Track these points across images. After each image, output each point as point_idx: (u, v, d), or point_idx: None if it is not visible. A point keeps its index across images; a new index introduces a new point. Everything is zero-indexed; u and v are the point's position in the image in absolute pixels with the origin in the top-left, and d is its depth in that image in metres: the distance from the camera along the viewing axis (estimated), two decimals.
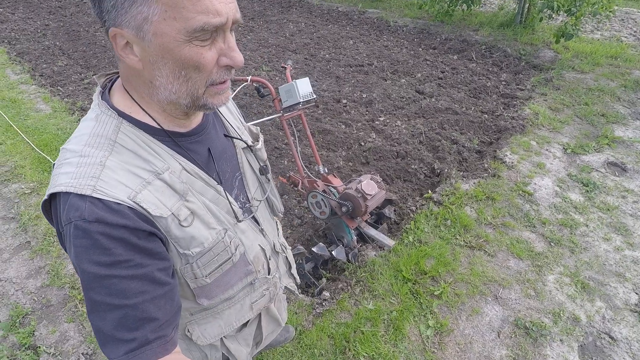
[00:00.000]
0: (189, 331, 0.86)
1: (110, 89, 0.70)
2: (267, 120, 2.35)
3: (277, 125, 3.65)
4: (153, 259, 0.63)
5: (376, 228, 2.54)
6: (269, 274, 0.94)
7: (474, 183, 2.96)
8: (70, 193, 0.59)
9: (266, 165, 0.93)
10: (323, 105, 3.98)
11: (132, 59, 0.60)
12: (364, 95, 4.15)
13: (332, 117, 3.82)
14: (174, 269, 0.71)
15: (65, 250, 0.64)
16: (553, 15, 4.94)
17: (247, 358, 1.01)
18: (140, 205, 0.62)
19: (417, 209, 2.76)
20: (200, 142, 0.75)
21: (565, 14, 4.81)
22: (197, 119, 0.75)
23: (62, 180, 0.60)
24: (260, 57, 5.06)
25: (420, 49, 5.33)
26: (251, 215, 0.87)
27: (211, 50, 0.60)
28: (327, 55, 5.12)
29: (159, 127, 0.68)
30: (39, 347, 1.99)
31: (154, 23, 0.56)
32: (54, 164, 0.66)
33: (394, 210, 2.73)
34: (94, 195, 0.59)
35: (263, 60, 4.98)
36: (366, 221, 2.57)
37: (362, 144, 3.40)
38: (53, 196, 0.63)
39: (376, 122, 3.72)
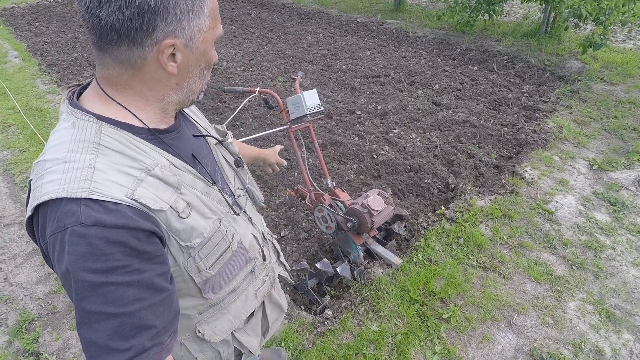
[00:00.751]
0: (199, 332, 0.86)
1: (78, 99, 0.70)
2: (274, 132, 2.32)
3: (288, 136, 3.63)
4: (152, 263, 0.62)
5: (385, 244, 2.46)
6: (265, 260, 0.97)
7: (490, 199, 2.83)
8: (63, 199, 0.57)
9: (240, 158, 0.97)
10: (337, 116, 3.94)
11: (171, 66, 0.67)
12: (379, 107, 4.09)
13: (345, 128, 3.77)
14: (178, 266, 0.72)
15: (51, 264, 0.62)
16: (580, 25, 4.74)
17: (258, 348, 1.03)
18: (139, 202, 0.61)
19: (428, 225, 2.66)
20: (180, 138, 0.78)
21: (593, 23, 4.60)
22: (172, 118, 0.78)
23: (49, 188, 0.58)
24: (277, 68, 5.09)
25: (439, 60, 5.22)
26: (242, 210, 0.92)
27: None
28: (343, 66, 5.10)
29: (141, 125, 0.69)
30: (42, 354, 2.01)
31: (204, 32, 0.68)
32: (30, 180, 0.63)
33: (405, 227, 2.64)
34: (91, 197, 0.57)
35: (279, 71, 5.01)
36: (375, 237, 2.49)
37: (375, 156, 3.33)
38: (37, 209, 0.60)
39: (390, 135, 3.64)
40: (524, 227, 2.59)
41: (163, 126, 0.74)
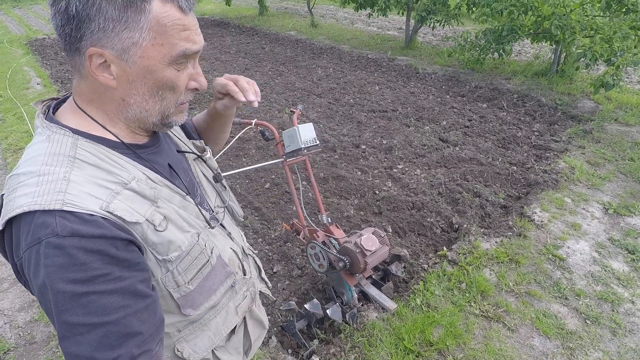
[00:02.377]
0: (178, 350, 0.82)
1: (54, 113, 0.70)
2: (268, 164, 2.28)
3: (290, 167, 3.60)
4: (133, 270, 0.61)
5: (381, 286, 2.32)
6: (245, 275, 0.95)
7: (496, 242, 2.68)
8: (36, 211, 0.56)
9: (219, 173, 0.97)
10: (341, 150, 3.91)
11: (107, 78, 0.64)
12: (385, 142, 4.04)
13: (348, 162, 3.72)
14: (155, 281, 0.70)
15: (24, 281, 0.61)
16: (592, 65, 4.69)
17: None
18: (114, 214, 0.60)
19: (429, 267, 2.51)
20: (158, 153, 0.78)
21: (605, 64, 4.55)
22: (150, 133, 0.78)
23: (21, 201, 0.57)
24: (285, 100, 5.16)
25: (448, 97, 5.21)
26: (219, 223, 0.90)
27: (183, 74, 0.69)
28: (351, 100, 5.13)
29: (117, 140, 0.70)
30: None
31: (142, 48, 0.63)
32: (2, 194, 0.62)
33: (403, 267, 2.50)
34: (65, 208, 0.56)
35: (287, 103, 5.08)
36: (371, 277, 2.35)
37: (377, 192, 3.24)
38: (9, 224, 0.59)
39: (394, 170, 3.57)
40: (533, 274, 2.42)
41: (141, 141, 0.75)
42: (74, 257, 0.55)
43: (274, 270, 2.52)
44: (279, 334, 2.12)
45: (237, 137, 2.25)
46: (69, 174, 0.61)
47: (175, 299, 0.75)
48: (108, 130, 0.69)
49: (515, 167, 3.56)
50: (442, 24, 6.86)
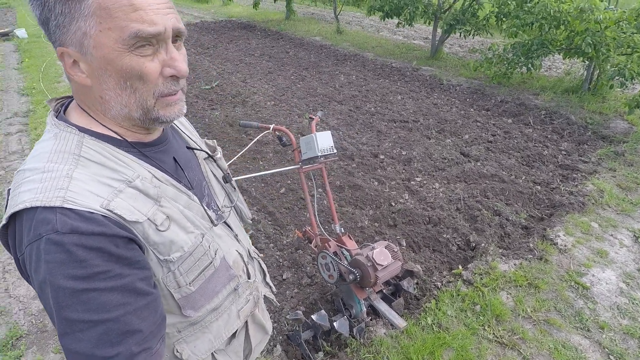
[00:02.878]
0: (178, 351, 0.81)
1: (65, 111, 0.70)
2: (284, 170, 2.26)
3: (306, 174, 3.58)
4: (133, 268, 0.61)
5: (391, 301, 2.25)
6: (249, 279, 0.93)
7: (515, 264, 2.57)
8: (37, 207, 0.56)
9: (228, 174, 0.97)
10: (359, 159, 3.86)
11: (81, 77, 0.63)
12: (404, 153, 3.97)
13: (366, 172, 3.67)
14: (157, 280, 0.69)
15: (27, 276, 0.61)
16: (627, 84, 4.49)
17: None
18: (114, 213, 0.60)
19: (442, 285, 2.43)
20: (164, 152, 0.76)
21: None
22: (158, 131, 0.76)
23: (25, 197, 0.57)
24: (305, 105, 5.16)
25: (472, 110, 5.10)
26: (223, 220, 0.88)
27: (154, 61, 0.62)
28: (372, 109, 5.09)
29: (122, 139, 0.68)
30: None
31: (92, 36, 0.59)
32: (9, 189, 0.63)
33: (416, 284, 2.43)
34: (65, 205, 0.56)
35: (308, 108, 5.07)
36: (381, 291, 2.30)
37: (393, 204, 3.17)
38: (11, 219, 0.59)
39: (412, 182, 3.49)
40: (553, 301, 2.31)
41: (147, 139, 0.73)
42: (74, 254, 0.55)
43: (284, 277, 2.49)
44: (284, 343, 2.09)
45: (254, 141, 2.24)
46: (72, 171, 0.61)
47: (176, 300, 0.74)
48: (109, 129, 0.68)
49: (539, 187, 3.42)
50: (470, 34, 6.73)
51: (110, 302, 0.58)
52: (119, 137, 0.69)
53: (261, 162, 3.82)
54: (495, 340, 2.07)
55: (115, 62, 0.60)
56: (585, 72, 5.63)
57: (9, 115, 4.95)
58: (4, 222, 0.60)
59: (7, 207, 0.60)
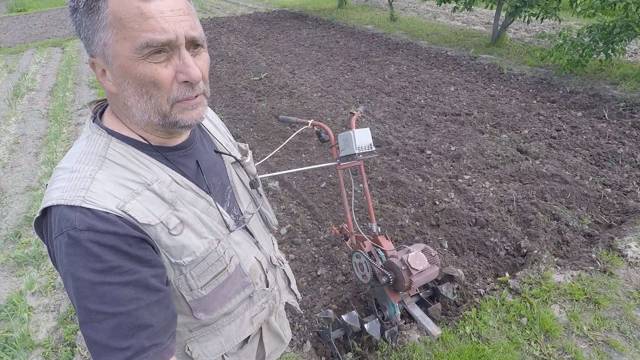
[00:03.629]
0: (189, 349, 0.84)
1: (102, 114, 0.76)
2: (322, 167, 2.23)
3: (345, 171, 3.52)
4: (145, 265, 0.64)
5: (428, 306, 2.15)
6: (267, 287, 0.93)
7: (573, 276, 2.32)
8: (61, 205, 0.62)
9: (256, 179, 0.96)
10: (404, 154, 3.71)
11: (108, 84, 0.67)
12: (453, 148, 3.74)
13: (410, 167, 3.52)
14: (169, 281, 0.72)
15: (56, 266, 0.66)
16: None
17: None
18: (128, 214, 0.64)
19: (485, 293, 2.27)
20: (188, 156, 0.78)
21: None
22: (183, 135, 0.78)
23: (54, 194, 0.63)
24: (352, 97, 5.06)
25: (535, 102, 4.65)
26: (242, 226, 0.88)
27: (167, 68, 0.64)
28: (422, 101, 4.85)
29: (146, 142, 0.72)
30: (76, 346, 2.15)
31: (111, 46, 0.62)
32: (47, 183, 0.69)
33: (456, 289, 2.29)
34: (84, 205, 0.61)
35: (355, 100, 4.97)
36: (419, 294, 2.20)
37: (437, 202, 3.01)
38: (45, 212, 0.65)
39: (459, 180, 3.29)
40: (615, 320, 2.05)
41: (171, 143, 0.76)
42: (89, 249, 0.59)
43: (318, 273, 2.49)
44: (314, 340, 2.09)
45: (292, 136, 2.24)
46: (96, 172, 0.65)
47: (188, 302, 0.76)
48: (135, 132, 0.72)
49: (609, 190, 3.05)
50: (539, 18, 6.11)
51: (124, 296, 0.61)
52: (143, 141, 0.72)
53: (304, 155, 3.82)
54: (542, 358, 1.90)
55: (130, 70, 0.63)
56: None
57: (79, 107, 5.46)
58: (38, 214, 0.66)
59: (42, 202, 0.66)
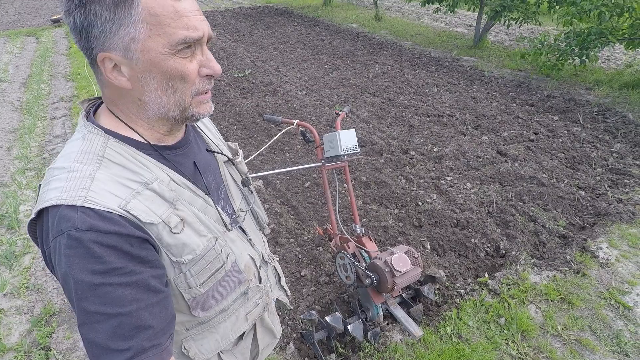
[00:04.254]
0: (185, 348, 0.84)
1: (95, 113, 0.74)
2: (306, 168, 2.23)
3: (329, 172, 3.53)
4: (146, 266, 0.64)
5: (410, 307, 2.18)
6: (260, 283, 0.95)
7: (548, 276, 2.40)
8: (61, 205, 0.60)
9: (247, 178, 0.98)
10: (387, 154, 3.75)
11: (121, 80, 0.66)
12: (435, 149, 3.80)
13: (394, 168, 3.55)
14: (168, 280, 0.72)
15: (51, 268, 0.65)
16: None
17: None
18: (130, 213, 0.63)
19: (466, 293, 2.32)
20: (185, 155, 0.79)
21: None
22: (179, 134, 0.79)
23: (52, 195, 0.62)
24: (337, 96, 5.07)
25: (514, 105, 4.77)
26: (239, 224, 0.90)
27: (192, 62, 0.67)
28: (405, 101, 4.90)
29: (144, 141, 0.72)
30: (51, 349, 2.08)
31: (140, 41, 0.62)
32: (40, 185, 0.68)
33: (437, 289, 2.33)
34: (85, 205, 0.60)
35: (339, 99, 4.98)
36: (401, 295, 2.23)
37: (420, 203, 3.06)
38: (40, 214, 0.64)
39: (441, 181, 3.34)
40: (588, 320, 2.14)
41: (168, 142, 0.76)
42: (91, 250, 0.59)
43: (302, 273, 2.48)
44: (297, 341, 2.09)
45: (277, 136, 2.22)
46: (95, 172, 0.64)
47: (186, 300, 0.76)
48: (135, 131, 0.72)
49: (583, 192, 3.16)
50: (518, 22, 6.27)
51: (125, 297, 0.61)
52: (142, 140, 0.72)
53: (288, 154, 3.80)
54: (519, 357, 1.96)
55: (161, 64, 0.64)
56: None
57: (55, 100, 5.26)
58: (33, 216, 0.64)
59: (37, 203, 0.64)
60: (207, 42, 0.70)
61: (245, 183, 0.97)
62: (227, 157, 0.94)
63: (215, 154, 0.91)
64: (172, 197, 0.71)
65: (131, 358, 0.61)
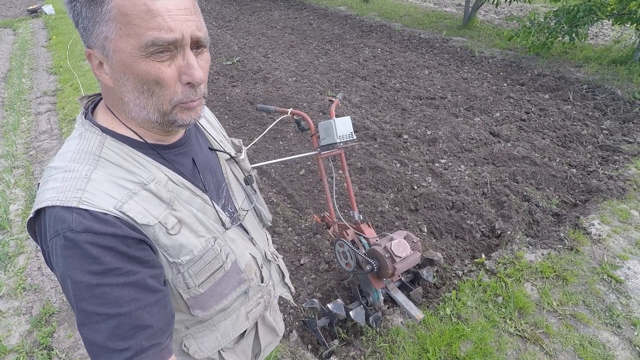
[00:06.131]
0: (185, 346, 0.84)
1: (93, 110, 0.73)
2: (302, 157, 2.21)
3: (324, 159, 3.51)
4: (143, 266, 0.64)
5: (410, 290, 2.22)
6: (262, 282, 0.94)
7: (543, 254, 2.45)
8: (56, 206, 0.60)
9: (250, 175, 0.96)
10: (381, 139, 3.74)
11: (105, 77, 0.65)
12: (429, 132, 3.80)
13: (388, 153, 3.55)
14: (167, 280, 0.72)
15: (51, 267, 0.65)
16: None
17: None
18: (126, 215, 0.63)
19: (463, 274, 2.36)
20: (184, 154, 0.77)
21: None
22: (179, 133, 0.77)
23: (48, 195, 0.62)
24: (328, 82, 5.01)
25: (505, 85, 4.78)
26: (238, 223, 0.88)
27: (170, 67, 0.62)
28: (397, 85, 4.87)
29: (142, 140, 0.70)
30: (53, 349, 2.08)
31: (112, 40, 0.60)
32: (39, 183, 0.67)
33: (436, 271, 2.37)
34: (81, 206, 0.60)
35: (330, 85, 4.92)
36: (400, 279, 2.26)
37: (415, 187, 3.07)
38: (38, 213, 0.64)
39: (436, 164, 3.36)
40: (581, 295, 2.19)
41: (167, 142, 0.75)
42: (87, 251, 0.58)
43: (301, 262, 2.50)
44: (300, 329, 2.11)
45: (272, 125, 2.19)
46: (91, 172, 0.63)
47: (185, 300, 0.76)
48: (132, 130, 0.70)
49: (574, 170, 3.21)
50: (507, 0, 6.22)
51: (123, 298, 0.61)
52: (139, 139, 0.70)
53: (281, 142, 3.77)
54: (517, 334, 2.01)
55: (132, 66, 0.61)
56: (639, 40, 5.11)
57: (38, 95, 5.11)
58: (31, 215, 0.64)
59: (35, 203, 0.64)
60: (199, 45, 0.65)
61: (248, 181, 0.95)
62: (230, 155, 0.91)
63: (217, 152, 0.89)
64: (169, 198, 0.70)
65: (131, 358, 0.61)
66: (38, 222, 0.65)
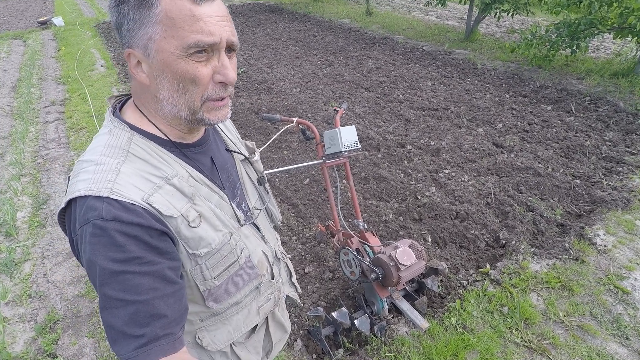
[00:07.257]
0: (199, 338, 0.87)
1: (121, 108, 0.78)
2: (307, 165, 2.23)
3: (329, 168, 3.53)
4: (164, 257, 0.67)
5: (414, 299, 2.21)
6: (272, 279, 0.97)
7: (548, 265, 2.44)
8: (89, 196, 0.64)
9: (263, 176, 1.01)
10: (385, 149, 3.76)
11: (142, 76, 0.70)
12: (432, 143, 3.83)
13: (391, 163, 3.57)
14: (185, 272, 0.75)
15: (77, 254, 0.69)
16: None
17: None
18: (152, 206, 0.66)
19: (468, 284, 2.35)
20: (203, 153, 0.82)
21: None
22: (200, 133, 0.82)
23: (80, 186, 0.65)
24: (332, 92, 5.07)
25: (508, 96, 4.82)
26: (252, 221, 0.93)
27: (206, 67, 0.68)
28: (400, 96, 4.92)
29: (166, 138, 0.75)
30: (58, 356, 2.07)
31: (156, 41, 0.66)
32: (69, 176, 0.72)
33: (440, 281, 2.36)
34: (111, 196, 0.63)
35: (334, 95, 4.98)
36: (405, 288, 2.25)
37: (419, 197, 3.08)
38: (69, 203, 0.67)
39: (439, 175, 3.37)
40: (588, 305, 2.18)
41: (189, 140, 0.79)
42: (114, 239, 0.62)
43: (306, 270, 2.50)
44: (304, 338, 2.10)
45: (277, 134, 2.22)
46: (121, 165, 0.68)
47: (201, 291, 0.79)
48: (158, 128, 0.75)
49: (578, 181, 3.21)
50: (509, 14, 6.31)
51: (142, 285, 0.64)
52: (164, 137, 0.75)
53: (285, 152, 3.80)
54: (523, 345, 1.99)
55: (172, 65, 0.67)
56: (639, 53, 5.16)
57: (47, 104, 5.19)
58: (63, 205, 0.68)
59: (66, 194, 0.68)
60: (230, 49, 0.71)
61: (260, 181, 1.00)
62: (244, 156, 0.96)
63: (233, 153, 0.94)
64: (190, 193, 0.74)
65: (145, 344, 0.63)
66: (68, 212, 0.68)
